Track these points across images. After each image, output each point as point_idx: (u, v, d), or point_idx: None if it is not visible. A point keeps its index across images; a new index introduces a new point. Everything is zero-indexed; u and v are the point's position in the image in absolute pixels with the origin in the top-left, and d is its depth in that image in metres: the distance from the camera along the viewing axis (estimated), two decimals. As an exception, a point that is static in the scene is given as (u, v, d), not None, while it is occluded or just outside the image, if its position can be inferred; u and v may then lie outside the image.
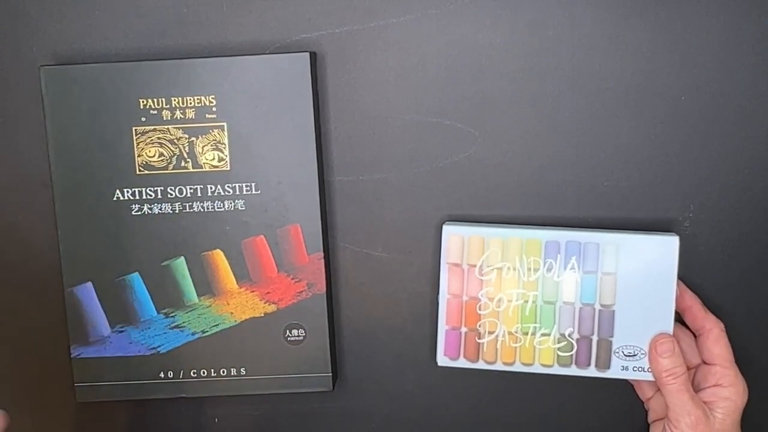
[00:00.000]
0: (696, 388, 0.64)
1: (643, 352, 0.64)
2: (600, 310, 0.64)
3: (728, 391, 0.63)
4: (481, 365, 0.66)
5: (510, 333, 0.65)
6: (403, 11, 0.66)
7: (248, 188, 0.67)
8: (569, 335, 0.65)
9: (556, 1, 0.66)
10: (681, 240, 0.63)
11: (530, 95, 0.67)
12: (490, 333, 0.66)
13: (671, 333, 0.63)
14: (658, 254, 0.63)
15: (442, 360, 0.67)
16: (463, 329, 0.66)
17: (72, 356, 0.68)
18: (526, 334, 0.65)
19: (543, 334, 0.65)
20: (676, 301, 0.63)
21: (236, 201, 0.67)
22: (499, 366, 0.66)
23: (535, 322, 0.65)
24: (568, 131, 0.67)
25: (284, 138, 0.66)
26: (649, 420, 0.67)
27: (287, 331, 0.68)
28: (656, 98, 0.66)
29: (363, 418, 0.72)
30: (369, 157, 0.68)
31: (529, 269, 0.65)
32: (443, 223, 0.66)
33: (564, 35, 0.66)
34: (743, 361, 0.64)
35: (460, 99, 0.67)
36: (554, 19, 0.66)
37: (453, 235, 0.66)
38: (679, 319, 0.66)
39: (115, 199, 0.67)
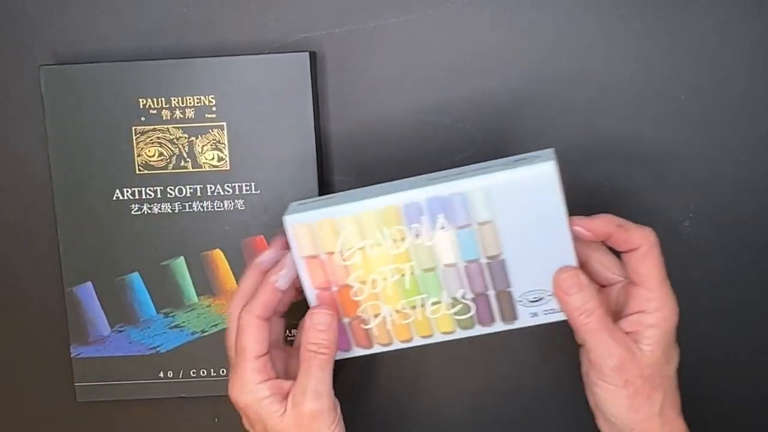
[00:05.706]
0: (618, 313, 0.57)
1: (549, 293, 0.57)
2: (488, 263, 0.57)
3: (654, 317, 0.55)
4: (377, 349, 0.60)
5: (397, 311, 0.59)
6: (403, 11, 0.66)
7: (248, 188, 0.67)
8: (462, 297, 0.58)
9: (556, 1, 0.66)
10: (681, 240, 0.63)
11: (530, 95, 0.67)
12: (376, 316, 0.59)
13: (574, 265, 0.56)
14: (535, 187, 0.55)
15: (338, 354, 0.60)
16: (345, 320, 0.59)
17: (72, 356, 0.68)
18: (415, 307, 0.59)
19: (433, 303, 0.58)
20: (585, 235, 0.56)
21: (236, 201, 0.67)
22: (397, 345, 0.60)
23: (420, 294, 0.58)
24: (568, 131, 0.67)
25: (284, 138, 0.66)
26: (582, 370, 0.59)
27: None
28: (656, 98, 0.66)
29: (363, 418, 0.72)
30: (369, 157, 0.68)
31: (395, 240, 0.57)
32: (283, 216, 0.58)
33: (564, 35, 0.66)
34: (743, 361, 0.64)
35: (460, 99, 0.67)
36: (554, 19, 0.66)
37: (298, 225, 0.57)
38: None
39: (114, 198, 0.67)
